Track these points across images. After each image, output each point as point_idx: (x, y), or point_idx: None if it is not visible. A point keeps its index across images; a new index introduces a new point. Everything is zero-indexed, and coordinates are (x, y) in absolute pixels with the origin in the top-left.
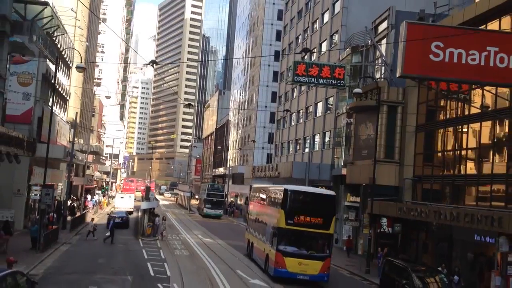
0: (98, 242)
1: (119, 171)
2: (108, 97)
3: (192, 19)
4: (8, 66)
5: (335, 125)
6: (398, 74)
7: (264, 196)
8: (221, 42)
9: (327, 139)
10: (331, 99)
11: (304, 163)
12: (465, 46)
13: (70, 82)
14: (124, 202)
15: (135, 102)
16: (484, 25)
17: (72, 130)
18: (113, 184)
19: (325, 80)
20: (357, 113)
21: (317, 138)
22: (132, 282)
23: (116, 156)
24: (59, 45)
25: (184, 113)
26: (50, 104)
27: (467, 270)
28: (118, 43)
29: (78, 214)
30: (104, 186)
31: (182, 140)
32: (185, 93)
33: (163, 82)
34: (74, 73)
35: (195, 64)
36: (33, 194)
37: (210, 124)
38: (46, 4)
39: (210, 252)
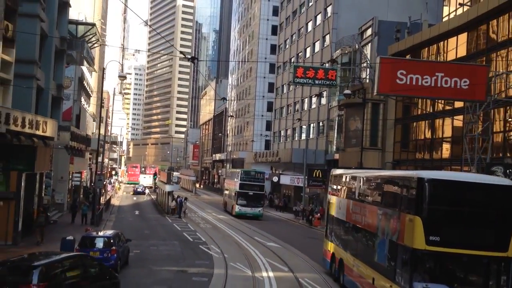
0: (133, 219)
1: (123, 157)
2: (125, 93)
3: (184, 5)
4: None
5: (328, 115)
6: (375, 93)
7: (364, 190)
8: (212, 28)
9: (321, 125)
10: (324, 93)
11: (302, 149)
12: (421, 73)
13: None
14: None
15: (129, 89)
16: (446, 40)
17: (95, 122)
18: (118, 169)
19: (320, 81)
20: (347, 109)
21: (312, 126)
22: (180, 244)
23: (121, 144)
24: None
25: (179, 98)
26: (83, 102)
27: None
28: (118, 34)
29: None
30: (116, 172)
31: (177, 125)
32: (179, 79)
33: (156, 68)
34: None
35: (188, 50)
36: (71, 180)
37: (207, 110)
38: (93, 24)
39: (228, 225)
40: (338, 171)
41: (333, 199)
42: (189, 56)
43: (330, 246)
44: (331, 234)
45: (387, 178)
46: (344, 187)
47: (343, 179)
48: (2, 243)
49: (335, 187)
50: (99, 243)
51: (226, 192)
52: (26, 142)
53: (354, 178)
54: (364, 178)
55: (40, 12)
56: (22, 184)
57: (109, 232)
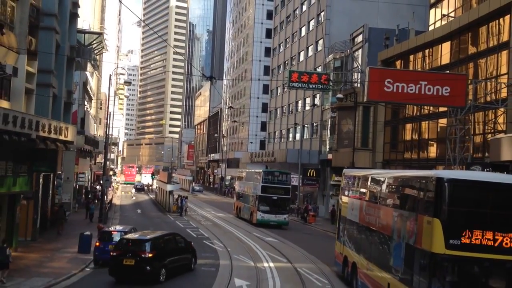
0: (137, 217)
1: (119, 158)
2: (126, 96)
3: (177, 6)
4: None
5: (321, 117)
6: (365, 99)
7: (379, 190)
8: (206, 28)
9: (314, 126)
10: (318, 96)
11: (296, 149)
12: (406, 81)
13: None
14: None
15: (122, 89)
16: (431, 48)
17: (95, 124)
18: (116, 170)
19: (314, 85)
20: (339, 111)
21: (306, 127)
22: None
23: (117, 144)
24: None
25: (172, 99)
26: (86, 105)
27: None
28: (114, 36)
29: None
30: (114, 172)
31: (170, 125)
32: (173, 79)
33: (149, 69)
34: (94, 75)
35: (182, 51)
36: (76, 181)
37: (202, 110)
38: (100, 33)
39: (227, 222)
40: (351, 171)
41: (345, 200)
42: (207, 75)
43: (343, 249)
44: (343, 236)
45: (403, 178)
46: (358, 188)
47: (357, 180)
48: (22, 239)
49: (347, 187)
50: (117, 238)
51: (240, 195)
52: (51, 146)
53: (368, 178)
54: (379, 178)
55: (56, 25)
56: (40, 185)
57: (123, 227)
